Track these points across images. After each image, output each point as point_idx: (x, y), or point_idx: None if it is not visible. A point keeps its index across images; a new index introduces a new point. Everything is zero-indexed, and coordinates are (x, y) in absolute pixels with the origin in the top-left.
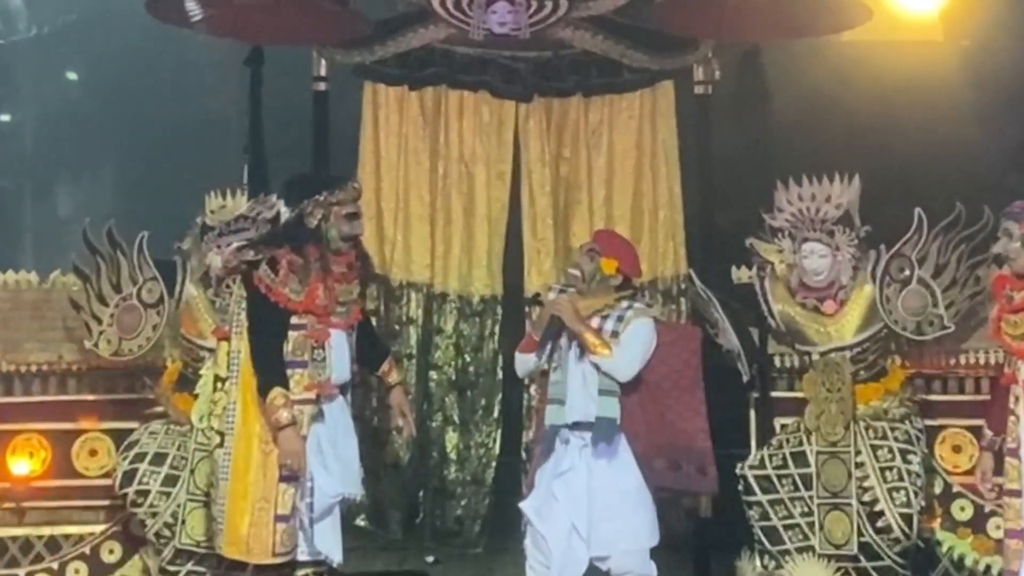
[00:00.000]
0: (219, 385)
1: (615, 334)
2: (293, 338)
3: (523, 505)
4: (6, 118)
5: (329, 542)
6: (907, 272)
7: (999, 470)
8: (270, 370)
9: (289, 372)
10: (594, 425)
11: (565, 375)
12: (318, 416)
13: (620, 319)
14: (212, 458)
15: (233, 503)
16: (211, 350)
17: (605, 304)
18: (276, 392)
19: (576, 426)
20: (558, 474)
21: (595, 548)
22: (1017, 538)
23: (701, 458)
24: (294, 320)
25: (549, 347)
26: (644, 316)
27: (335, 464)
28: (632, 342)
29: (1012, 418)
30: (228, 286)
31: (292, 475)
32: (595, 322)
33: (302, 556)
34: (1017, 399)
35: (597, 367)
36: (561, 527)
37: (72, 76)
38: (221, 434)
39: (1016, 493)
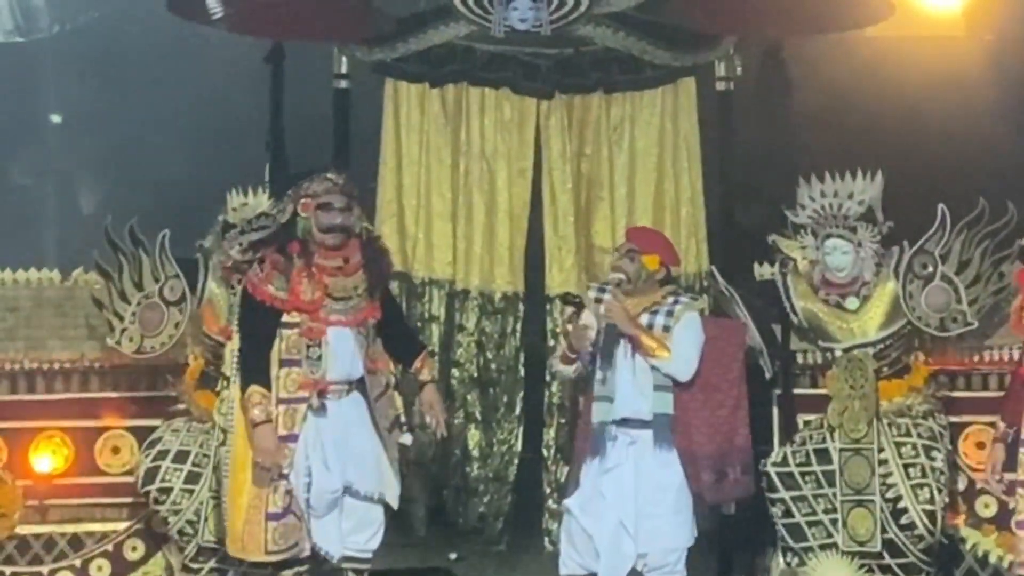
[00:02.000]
0: (224, 383)
1: (666, 329)
2: (287, 336)
3: (569, 502)
4: (29, 116)
5: (330, 538)
6: (930, 268)
7: (1010, 464)
8: (249, 368)
9: (285, 371)
10: (651, 422)
11: (613, 372)
12: (320, 412)
13: (670, 314)
14: (218, 455)
15: (231, 500)
16: None
17: (653, 301)
18: (252, 389)
19: (624, 423)
20: (605, 471)
21: (638, 544)
22: None
23: (745, 456)
24: (287, 318)
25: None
26: (692, 310)
27: (336, 460)
28: (686, 340)
29: None
30: (233, 286)
31: (270, 473)
32: (644, 319)
33: (304, 554)
34: None
35: (655, 367)
36: (608, 524)
37: (93, 74)
38: (224, 431)
39: None
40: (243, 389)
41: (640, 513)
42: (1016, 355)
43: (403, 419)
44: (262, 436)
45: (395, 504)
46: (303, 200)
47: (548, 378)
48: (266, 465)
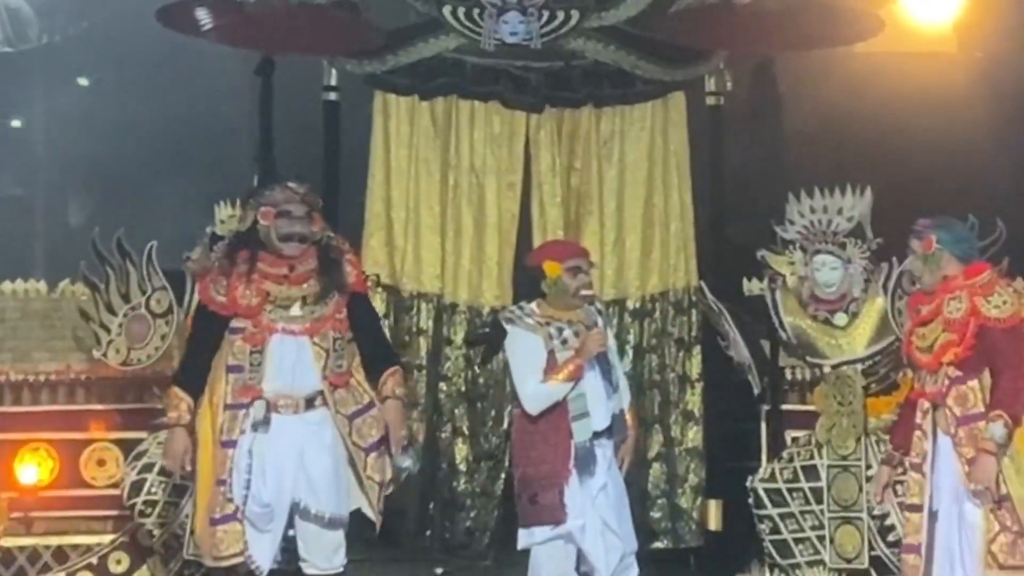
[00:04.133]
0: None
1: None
2: (232, 342)
3: (570, 525)
4: (17, 125)
5: (263, 550)
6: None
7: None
8: (181, 367)
9: (232, 376)
10: (612, 423)
11: (585, 387)
12: (263, 427)
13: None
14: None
15: (198, 504)
16: None
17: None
18: (173, 390)
19: (596, 436)
20: (599, 489)
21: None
22: (915, 552)
23: None
24: (233, 324)
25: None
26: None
27: (274, 475)
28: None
29: (918, 433)
30: None
31: (173, 475)
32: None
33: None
34: (924, 413)
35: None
36: (614, 552)
37: (83, 85)
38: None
39: (916, 508)
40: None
41: (621, 516)
42: None
43: (406, 440)
44: (171, 438)
45: (375, 519)
46: (263, 208)
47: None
48: (169, 468)
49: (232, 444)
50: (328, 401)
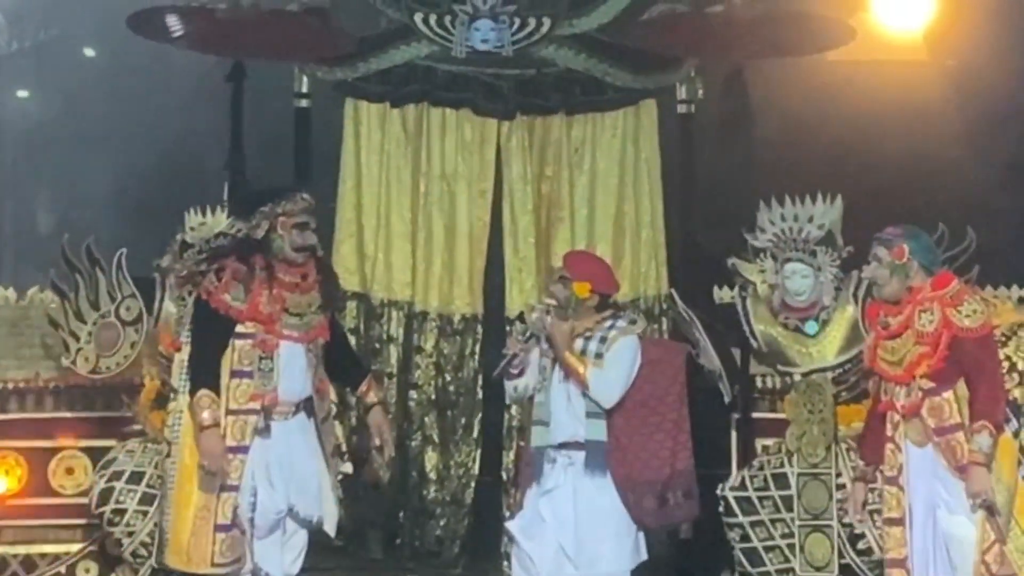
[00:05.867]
0: (172, 396)
1: (599, 356)
2: (239, 347)
3: (509, 524)
4: None
5: (272, 559)
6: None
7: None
8: (200, 372)
9: (235, 382)
10: (584, 447)
11: (548, 396)
12: (264, 432)
13: (603, 340)
14: (163, 467)
15: (176, 512)
16: None
17: (586, 327)
18: (202, 393)
19: (562, 446)
20: (543, 493)
21: (579, 568)
22: (900, 568)
23: (687, 481)
24: (240, 329)
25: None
26: (627, 335)
27: (281, 481)
28: (614, 366)
29: (891, 446)
30: (183, 298)
31: (215, 479)
32: (578, 345)
33: (246, 569)
34: (896, 426)
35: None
36: (548, 547)
37: (53, 92)
38: (169, 443)
39: (897, 522)
40: (192, 393)
41: (580, 537)
42: None
43: (343, 448)
44: (209, 440)
45: (332, 532)
46: (280, 219)
47: (507, 401)
48: (212, 469)
49: (243, 450)
50: (313, 407)
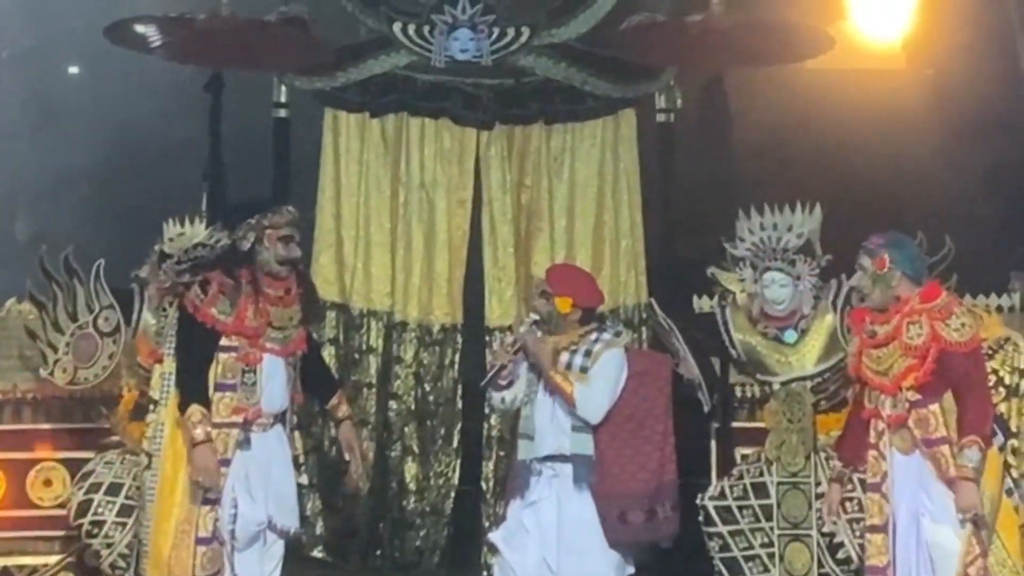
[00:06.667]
0: (152, 408)
1: (584, 369)
2: (223, 360)
3: (492, 535)
4: None
5: (251, 571)
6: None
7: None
8: (190, 387)
9: (219, 395)
10: (570, 460)
11: (533, 410)
12: (244, 444)
13: (588, 353)
14: (140, 480)
15: (156, 524)
16: None
17: (571, 340)
18: (193, 408)
19: (548, 458)
20: (528, 504)
21: None
22: (881, 574)
23: (674, 493)
24: (224, 342)
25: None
26: (612, 348)
27: (261, 493)
28: (600, 381)
29: (874, 453)
30: (164, 309)
31: (207, 493)
32: (563, 358)
33: None
34: (881, 435)
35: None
36: (531, 558)
37: (30, 102)
38: (149, 456)
39: (878, 529)
40: (183, 408)
41: (564, 549)
42: None
43: (301, 460)
44: (203, 455)
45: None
46: (267, 231)
47: (487, 411)
48: (206, 484)
49: (225, 463)
50: (288, 419)
